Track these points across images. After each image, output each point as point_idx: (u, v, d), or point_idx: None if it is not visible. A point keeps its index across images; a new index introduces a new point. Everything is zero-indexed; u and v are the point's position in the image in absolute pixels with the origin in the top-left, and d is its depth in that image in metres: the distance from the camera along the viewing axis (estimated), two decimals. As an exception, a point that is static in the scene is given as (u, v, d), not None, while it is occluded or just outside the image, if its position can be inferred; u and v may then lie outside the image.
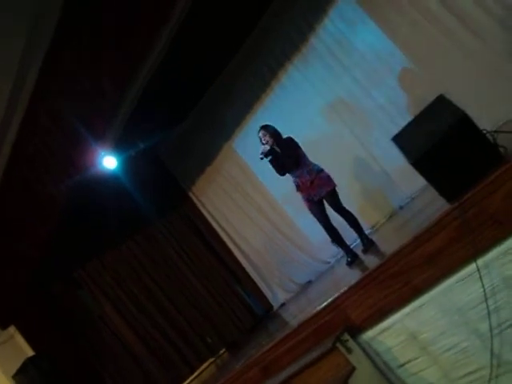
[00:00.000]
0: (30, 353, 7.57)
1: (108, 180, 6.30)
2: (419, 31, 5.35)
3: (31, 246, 6.65)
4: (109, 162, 5.93)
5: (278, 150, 5.15)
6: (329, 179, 5.13)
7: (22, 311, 7.59)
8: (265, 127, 5.30)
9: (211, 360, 7.83)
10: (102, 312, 7.69)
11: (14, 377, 7.41)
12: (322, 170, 5.12)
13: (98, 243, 7.66)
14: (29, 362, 7.35)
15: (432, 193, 3.79)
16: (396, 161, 5.28)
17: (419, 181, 4.54)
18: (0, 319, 7.87)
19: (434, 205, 3.93)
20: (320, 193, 5.12)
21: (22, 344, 7.73)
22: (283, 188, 7.17)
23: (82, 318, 7.71)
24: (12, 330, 7.84)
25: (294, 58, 6.44)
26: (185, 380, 7.68)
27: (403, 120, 4.52)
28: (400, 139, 3.59)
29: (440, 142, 3.23)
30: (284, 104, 6.74)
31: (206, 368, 7.72)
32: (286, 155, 5.13)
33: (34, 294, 7.49)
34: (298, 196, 5.32)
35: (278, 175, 5.27)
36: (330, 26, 5.97)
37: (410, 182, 5.54)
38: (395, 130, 4.00)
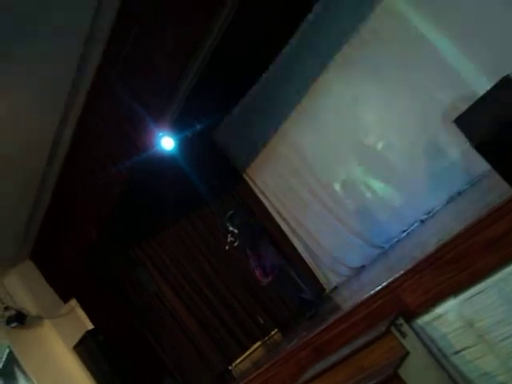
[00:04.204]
0: (90, 326, 7.90)
1: (165, 161, 6.40)
2: (482, 12, 5.15)
3: (92, 224, 6.89)
4: (167, 143, 5.99)
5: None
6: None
7: (82, 286, 7.90)
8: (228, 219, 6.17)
9: (263, 340, 7.93)
10: (157, 290, 7.90)
11: (75, 348, 7.78)
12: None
13: (155, 223, 7.86)
14: (88, 334, 7.69)
15: (494, 178, 3.68)
16: (456, 145, 5.16)
17: (479, 166, 4.44)
18: (62, 293, 8.24)
19: (495, 191, 3.81)
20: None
21: (82, 317, 8.06)
22: (338, 172, 7.14)
23: (138, 295, 7.96)
24: (73, 303, 8.18)
25: (354, 41, 6.30)
26: (236, 359, 7.82)
27: (464, 104, 4.40)
28: (463, 121, 3.49)
29: (506, 124, 3.12)
30: (344, 88, 6.64)
31: (258, 348, 7.82)
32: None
33: (94, 270, 7.76)
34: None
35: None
36: (392, 9, 5.82)
37: (469, 167, 5.39)
38: (455, 114, 3.90)
